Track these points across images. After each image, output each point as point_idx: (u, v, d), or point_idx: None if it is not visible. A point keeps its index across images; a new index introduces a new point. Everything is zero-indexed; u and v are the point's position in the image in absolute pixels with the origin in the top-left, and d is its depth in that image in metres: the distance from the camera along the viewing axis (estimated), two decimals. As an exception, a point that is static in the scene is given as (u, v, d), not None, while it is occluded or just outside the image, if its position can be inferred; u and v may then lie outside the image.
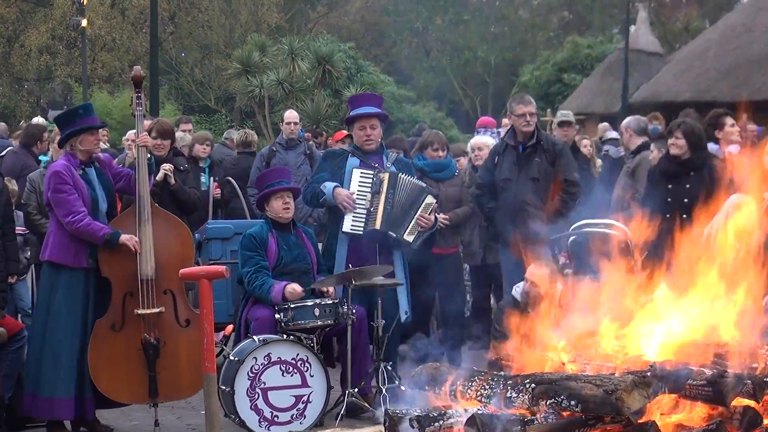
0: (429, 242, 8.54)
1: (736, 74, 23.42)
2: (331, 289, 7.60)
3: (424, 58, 44.82)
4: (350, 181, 7.81)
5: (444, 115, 35.80)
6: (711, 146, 9.03)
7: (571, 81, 33.68)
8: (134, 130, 7.50)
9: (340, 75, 22.43)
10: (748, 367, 5.22)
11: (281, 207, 7.63)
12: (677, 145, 8.24)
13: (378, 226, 7.74)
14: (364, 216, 7.77)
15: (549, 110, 28.51)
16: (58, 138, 8.26)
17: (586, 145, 11.89)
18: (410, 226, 7.82)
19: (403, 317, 7.85)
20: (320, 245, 8.22)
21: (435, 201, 8.01)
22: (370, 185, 7.79)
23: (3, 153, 9.63)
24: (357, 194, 7.77)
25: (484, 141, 10.06)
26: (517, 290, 7.55)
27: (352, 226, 7.77)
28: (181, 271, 6.22)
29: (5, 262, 7.67)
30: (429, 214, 7.89)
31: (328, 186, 7.77)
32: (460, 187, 9.24)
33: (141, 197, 7.04)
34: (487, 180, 8.81)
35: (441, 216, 8.71)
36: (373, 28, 43.06)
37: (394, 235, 7.77)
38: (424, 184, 8.02)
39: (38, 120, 17.48)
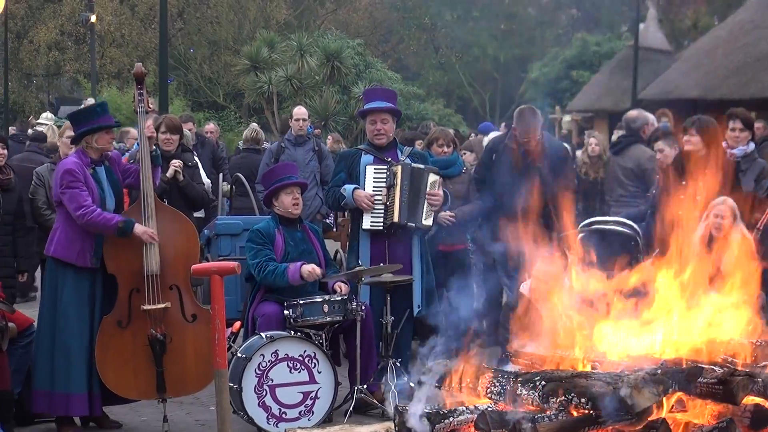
0: (435, 239, 8.54)
1: (745, 71, 23.33)
2: (344, 287, 7.60)
3: (433, 54, 44.79)
4: (365, 179, 7.84)
5: (452, 112, 35.77)
6: None
7: (579, 78, 33.63)
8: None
9: (349, 71, 22.44)
10: (759, 366, 5.22)
11: (291, 202, 7.62)
12: (692, 142, 8.21)
13: (396, 218, 7.75)
14: (382, 211, 7.80)
15: (558, 107, 28.45)
16: (67, 133, 8.29)
17: (591, 144, 11.86)
18: (425, 211, 7.85)
19: (416, 310, 7.83)
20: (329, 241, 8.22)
21: (438, 177, 8.00)
22: (384, 180, 7.82)
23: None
24: (373, 191, 7.79)
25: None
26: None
27: (371, 222, 7.80)
28: (193, 266, 6.22)
29: (15, 258, 7.69)
30: (437, 190, 7.91)
31: (348, 189, 7.78)
32: (467, 184, 9.21)
33: (145, 193, 7.04)
34: (482, 176, 8.86)
35: (447, 213, 8.68)
36: (381, 24, 43.05)
37: (414, 225, 7.80)
38: (422, 166, 7.97)
39: (46, 116, 17.56)
